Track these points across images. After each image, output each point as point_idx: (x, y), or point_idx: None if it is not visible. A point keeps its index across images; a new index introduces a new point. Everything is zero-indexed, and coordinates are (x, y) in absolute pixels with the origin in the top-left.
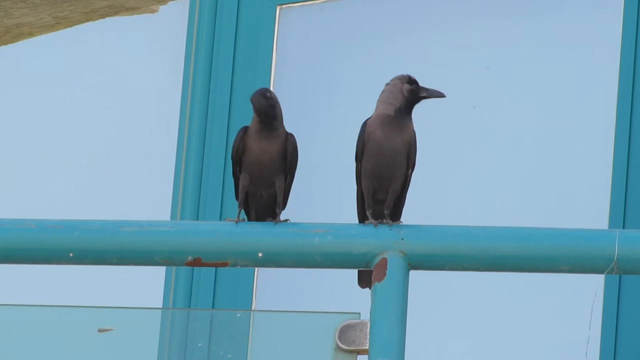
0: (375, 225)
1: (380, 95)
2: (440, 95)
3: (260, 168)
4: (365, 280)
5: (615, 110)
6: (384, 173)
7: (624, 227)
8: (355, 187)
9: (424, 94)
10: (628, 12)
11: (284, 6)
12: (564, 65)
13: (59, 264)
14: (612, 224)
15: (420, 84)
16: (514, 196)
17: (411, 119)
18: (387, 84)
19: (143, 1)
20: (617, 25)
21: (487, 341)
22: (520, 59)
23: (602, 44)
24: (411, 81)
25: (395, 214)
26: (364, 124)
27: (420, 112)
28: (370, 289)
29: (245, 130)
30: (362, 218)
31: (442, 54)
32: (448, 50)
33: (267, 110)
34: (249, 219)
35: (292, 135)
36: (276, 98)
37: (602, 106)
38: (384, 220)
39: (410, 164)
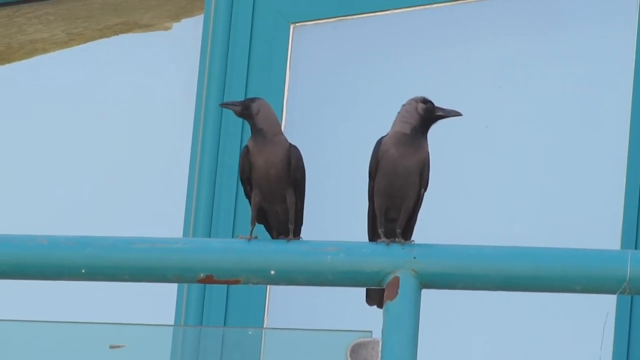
0: (388, 244)
1: (397, 116)
2: (456, 113)
3: (268, 182)
4: (373, 297)
5: (629, 129)
6: (397, 192)
7: (636, 248)
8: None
9: (440, 113)
10: None
11: (297, 24)
12: (576, 84)
13: (71, 280)
14: (624, 245)
15: (436, 105)
16: (527, 216)
17: (426, 139)
18: (404, 105)
19: (156, 18)
20: (631, 44)
21: None
22: (533, 77)
23: (615, 63)
24: (426, 101)
25: (407, 233)
26: (379, 142)
27: (433, 131)
28: (378, 306)
29: (246, 148)
30: (373, 236)
31: (455, 71)
32: (461, 68)
33: (233, 107)
34: (272, 239)
35: (295, 147)
36: (252, 105)
37: (614, 125)
38: (396, 239)
39: (423, 183)
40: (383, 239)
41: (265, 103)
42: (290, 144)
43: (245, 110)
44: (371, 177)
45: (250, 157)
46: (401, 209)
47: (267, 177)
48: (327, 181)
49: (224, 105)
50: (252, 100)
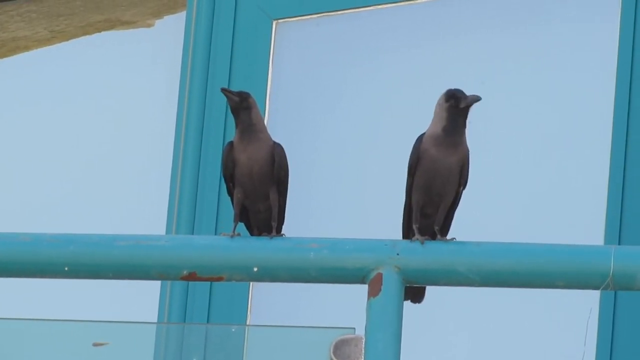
0: (422, 243)
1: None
2: (476, 99)
3: (251, 179)
4: (409, 294)
5: (612, 124)
6: (436, 189)
7: (619, 244)
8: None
9: (462, 105)
10: (625, 24)
11: (280, 20)
12: (559, 80)
13: (54, 278)
14: (607, 240)
15: (465, 94)
16: (510, 211)
17: (464, 134)
18: (437, 101)
19: (139, 15)
20: (614, 38)
21: (482, 357)
22: (516, 72)
23: (598, 57)
24: (449, 97)
25: (444, 230)
26: (419, 140)
27: (416, 127)
28: (410, 301)
29: (230, 145)
30: (407, 231)
31: (438, 67)
32: (444, 64)
33: (232, 96)
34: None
35: (279, 145)
36: (248, 99)
37: (598, 120)
38: (438, 236)
39: (462, 181)
40: (417, 236)
41: (254, 99)
42: (274, 142)
43: (243, 102)
44: (410, 174)
45: (234, 154)
46: (439, 206)
47: (250, 174)
48: (310, 178)
49: (225, 91)
50: (247, 94)
